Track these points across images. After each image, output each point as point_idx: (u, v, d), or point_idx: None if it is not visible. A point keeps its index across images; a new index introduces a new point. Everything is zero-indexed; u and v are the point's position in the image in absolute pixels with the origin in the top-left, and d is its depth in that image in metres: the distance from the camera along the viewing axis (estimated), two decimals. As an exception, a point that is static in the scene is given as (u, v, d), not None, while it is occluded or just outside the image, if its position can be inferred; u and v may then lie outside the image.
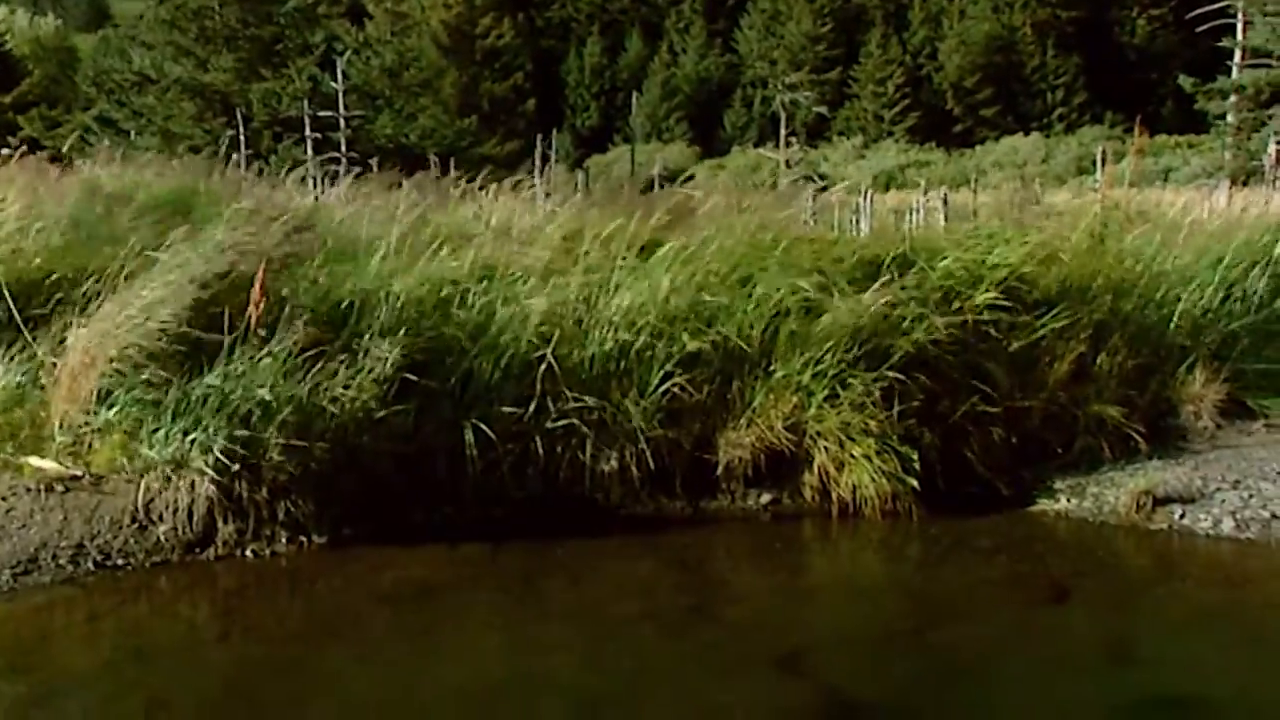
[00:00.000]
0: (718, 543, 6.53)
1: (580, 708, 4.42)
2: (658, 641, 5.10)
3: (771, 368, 6.83)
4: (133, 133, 24.99)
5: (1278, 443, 7.28)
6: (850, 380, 6.67)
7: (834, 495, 6.68)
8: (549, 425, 6.52)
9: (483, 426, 6.34)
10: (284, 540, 5.82)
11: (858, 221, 11.59)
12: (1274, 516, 6.32)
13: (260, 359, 5.88)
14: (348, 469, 6.04)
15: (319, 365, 5.96)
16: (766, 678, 4.66)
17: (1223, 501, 6.47)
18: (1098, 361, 7.25)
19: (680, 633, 5.19)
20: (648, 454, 6.59)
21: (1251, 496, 6.50)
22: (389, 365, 6.09)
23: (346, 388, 5.96)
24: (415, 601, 5.45)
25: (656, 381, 6.69)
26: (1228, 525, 6.31)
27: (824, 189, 13.04)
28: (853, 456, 6.59)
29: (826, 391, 6.68)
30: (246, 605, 5.53)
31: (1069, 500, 6.79)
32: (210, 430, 5.67)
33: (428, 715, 4.36)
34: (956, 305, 7.03)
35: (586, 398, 6.56)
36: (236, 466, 5.67)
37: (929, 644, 5.07)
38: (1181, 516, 6.42)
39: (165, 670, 4.76)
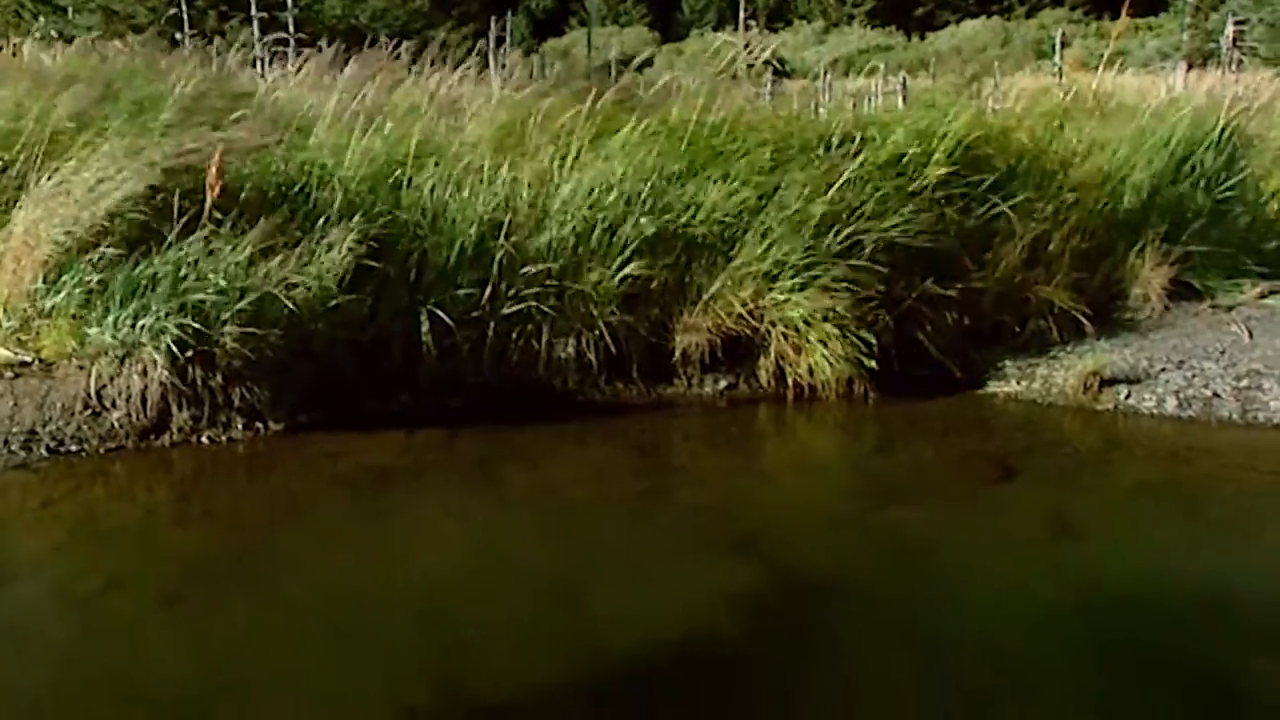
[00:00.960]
0: (674, 428, 6.59)
1: (537, 588, 4.49)
2: (614, 524, 5.16)
3: (731, 253, 6.82)
4: (70, 9, 24.06)
5: (1222, 323, 7.43)
6: (809, 266, 6.68)
7: (790, 380, 6.76)
8: (505, 311, 6.51)
9: (438, 313, 6.32)
10: (240, 427, 5.81)
11: (816, 106, 11.47)
12: (1215, 395, 6.48)
13: (215, 246, 5.78)
14: (303, 356, 6.01)
15: (273, 252, 5.87)
16: (721, 559, 4.73)
17: (1167, 381, 6.62)
18: (1050, 244, 7.31)
19: (637, 516, 5.26)
20: (605, 340, 6.60)
21: (1195, 376, 6.65)
22: (343, 251, 6.01)
23: (301, 275, 5.88)
24: (372, 486, 5.47)
25: (614, 267, 6.66)
26: (1171, 404, 6.47)
27: (783, 74, 12.87)
28: (809, 341, 6.65)
29: (785, 277, 6.69)
30: (203, 490, 5.53)
31: (1019, 382, 6.91)
32: (162, 315, 5.59)
33: (388, 596, 4.41)
34: (912, 183, 7.02)
35: (543, 283, 6.53)
36: (190, 353, 5.63)
37: (880, 523, 5.18)
38: (1127, 397, 6.56)
39: (123, 553, 4.77)
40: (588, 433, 6.31)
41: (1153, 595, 4.39)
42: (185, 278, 5.68)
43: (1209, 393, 6.50)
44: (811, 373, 6.68)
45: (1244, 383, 6.55)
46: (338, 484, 5.50)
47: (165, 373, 5.63)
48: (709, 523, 5.17)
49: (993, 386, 6.94)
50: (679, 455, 6.47)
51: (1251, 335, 7.15)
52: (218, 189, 5.84)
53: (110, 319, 5.65)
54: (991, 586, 4.52)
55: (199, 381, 5.72)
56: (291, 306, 5.82)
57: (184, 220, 5.85)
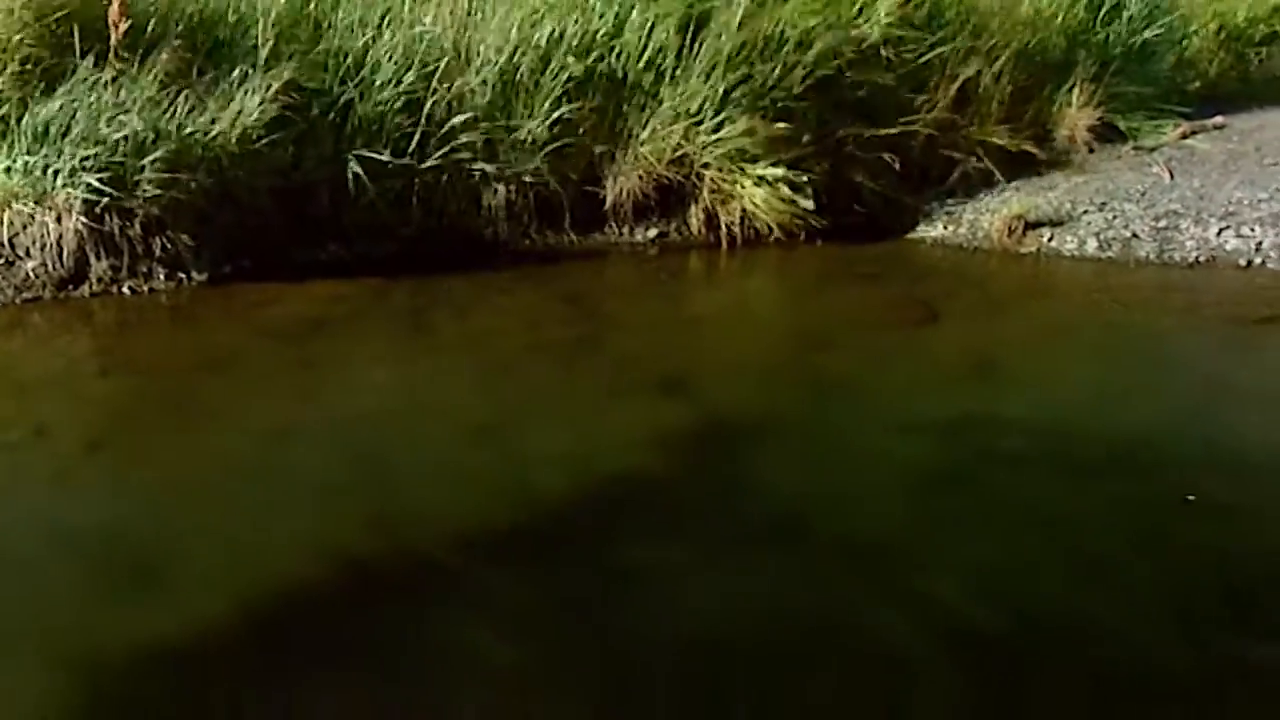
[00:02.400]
0: (605, 276, 6.59)
1: (468, 432, 4.53)
2: (545, 371, 5.19)
3: (659, 96, 6.72)
4: None
5: (1144, 164, 7.53)
6: (739, 107, 6.61)
7: (721, 227, 6.75)
8: (434, 158, 6.38)
9: (365, 160, 6.18)
10: (161, 277, 5.71)
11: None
12: (1134, 236, 6.61)
13: (125, 86, 5.57)
14: (225, 204, 5.88)
15: (188, 95, 5.67)
16: (649, 403, 4.80)
17: (1088, 224, 6.74)
18: (981, 87, 7.29)
19: (567, 362, 5.30)
20: (535, 188, 6.53)
21: (1115, 218, 6.76)
22: (264, 92, 5.82)
23: (218, 119, 5.71)
24: (301, 337, 5.43)
25: (543, 113, 6.54)
26: (1092, 246, 6.59)
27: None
28: (741, 187, 6.63)
29: (714, 119, 6.62)
30: (126, 341, 5.46)
31: (946, 227, 6.98)
32: (74, 160, 5.41)
33: (319, 442, 4.43)
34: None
35: (472, 130, 6.40)
36: (105, 200, 5.47)
37: (806, 366, 5.28)
38: (1050, 239, 6.67)
39: (46, 403, 4.72)
40: (518, 281, 6.29)
41: (1065, 427, 4.53)
42: (96, 120, 5.48)
43: (1128, 234, 6.63)
44: (742, 219, 6.68)
45: (1162, 223, 6.69)
46: (265, 334, 5.45)
47: (81, 220, 5.48)
48: (638, 368, 5.22)
49: (921, 231, 7.01)
50: (609, 303, 6.48)
51: (1172, 176, 7.26)
52: (122, 26, 5.58)
53: (19, 164, 5.46)
54: (913, 422, 4.62)
55: (117, 230, 5.57)
56: (212, 152, 5.66)
57: (88, 57, 5.60)
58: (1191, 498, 3.95)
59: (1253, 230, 6.48)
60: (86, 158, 5.42)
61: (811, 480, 4.17)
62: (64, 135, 5.46)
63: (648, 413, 4.70)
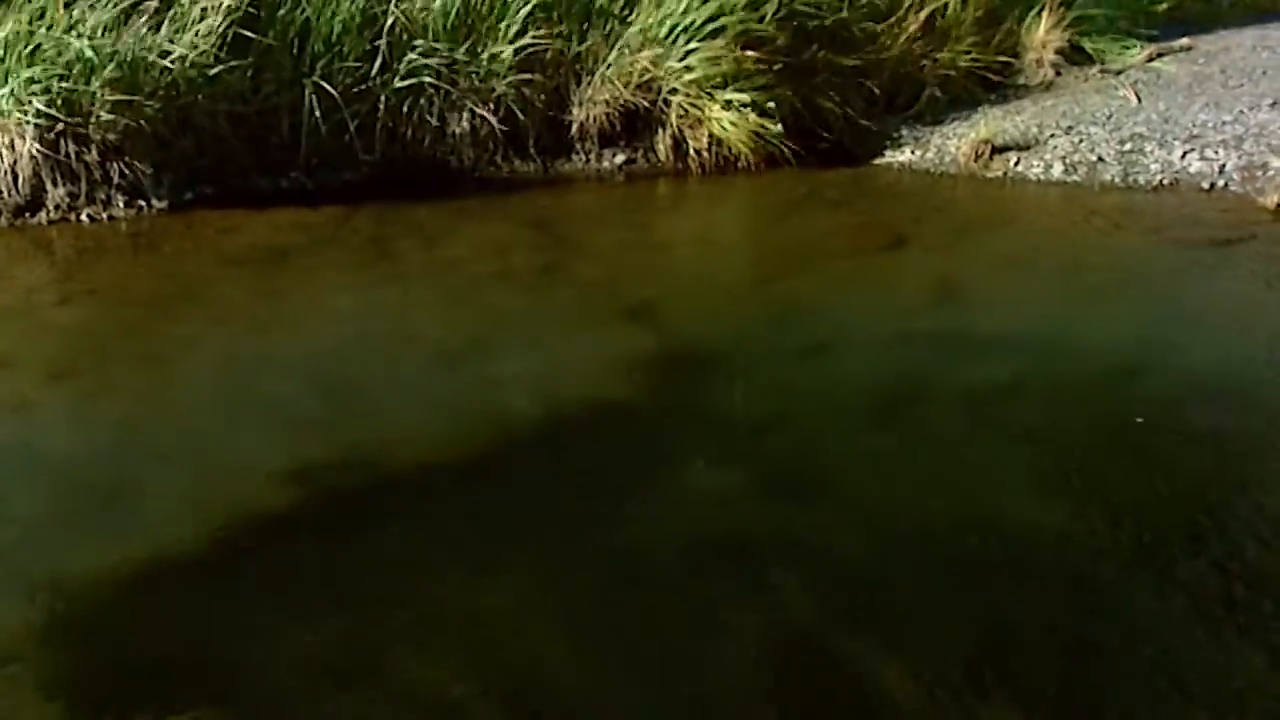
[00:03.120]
0: (572, 203, 6.54)
1: (435, 359, 4.53)
2: (512, 298, 5.18)
3: (628, 19, 6.63)
4: None
5: (1110, 87, 7.54)
6: (708, 33, 6.54)
7: (689, 153, 6.72)
8: (397, 85, 6.30)
9: (325, 86, 6.09)
10: (121, 204, 5.63)
11: None
12: (1100, 159, 6.63)
13: (77, 9, 5.44)
14: (184, 130, 5.79)
15: (143, 17, 5.55)
16: (616, 329, 4.80)
17: (1055, 147, 6.75)
18: (949, 10, 7.24)
19: (533, 290, 5.28)
20: (501, 114, 6.46)
21: (1081, 141, 6.78)
22: (218, 15, 5.70)
23: (174, 41, 5.59)
24: (265, 265, 5.38)
25: (509, 36, 6.44)
26: (1058, 169, 6.61)
27: None
28: (709, 112, 6.58)
29: (683, 41, 6.55)
30: (87, 269, 5.37)
31: (913, 152, 6.97)
32: (25, 84, 5.29)
33: (286, 369, 4.41)
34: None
35: (435, 54, 6.31)
36: (60, 125, 5.36)
37: (771, 292, 5.28)
38: (1016, 164, 6.68)
39: (6, 331, 4.69)
40: (484, 209, 6.24)
41: (1027, 351, 4.58)
42: (47, 43, 5.35)
43: (1094, 157, 6.64)
44: (711, 145, 6.65)
45: (1127, 146, 6.71)
46: (228, 262, 5.40)
47: (35, 145, 5.38)
48: (605, 295, 5.22)
49: (889, 156, 7.00)
50: (576, 230, 6.44)
51: (1139, 99, 7.26)
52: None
53: (-31, 88, 5.35)
54: (878, 346, 4.67)
55: (73, 156, 5.48)
56: (168, 77, 5.56)
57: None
58: (1140, 420, 4.02)
59: (1216, 153, 6.51)
60: (35, 80, 5.30)
61: (775, 403, 4.21)
62: (15, 59, 5.34)
63: (615, 339, 4.71)
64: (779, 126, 6.57)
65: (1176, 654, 2.85)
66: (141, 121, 5.52)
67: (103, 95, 5.40)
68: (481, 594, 3.10)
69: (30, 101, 5.30)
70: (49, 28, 5.41)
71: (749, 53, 6.56)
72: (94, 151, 5.50)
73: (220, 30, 5.73)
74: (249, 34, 5.89)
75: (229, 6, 5.73)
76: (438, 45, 6.33)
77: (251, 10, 5.91)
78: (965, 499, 3.57)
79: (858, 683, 2.76)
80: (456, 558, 3.27)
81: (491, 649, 2.89)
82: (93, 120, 5.43)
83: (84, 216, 5.55)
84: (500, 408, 4.13)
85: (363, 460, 3.75)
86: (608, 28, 6.65)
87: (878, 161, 6.97)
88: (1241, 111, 6.91)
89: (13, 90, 5.32)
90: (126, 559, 3.19)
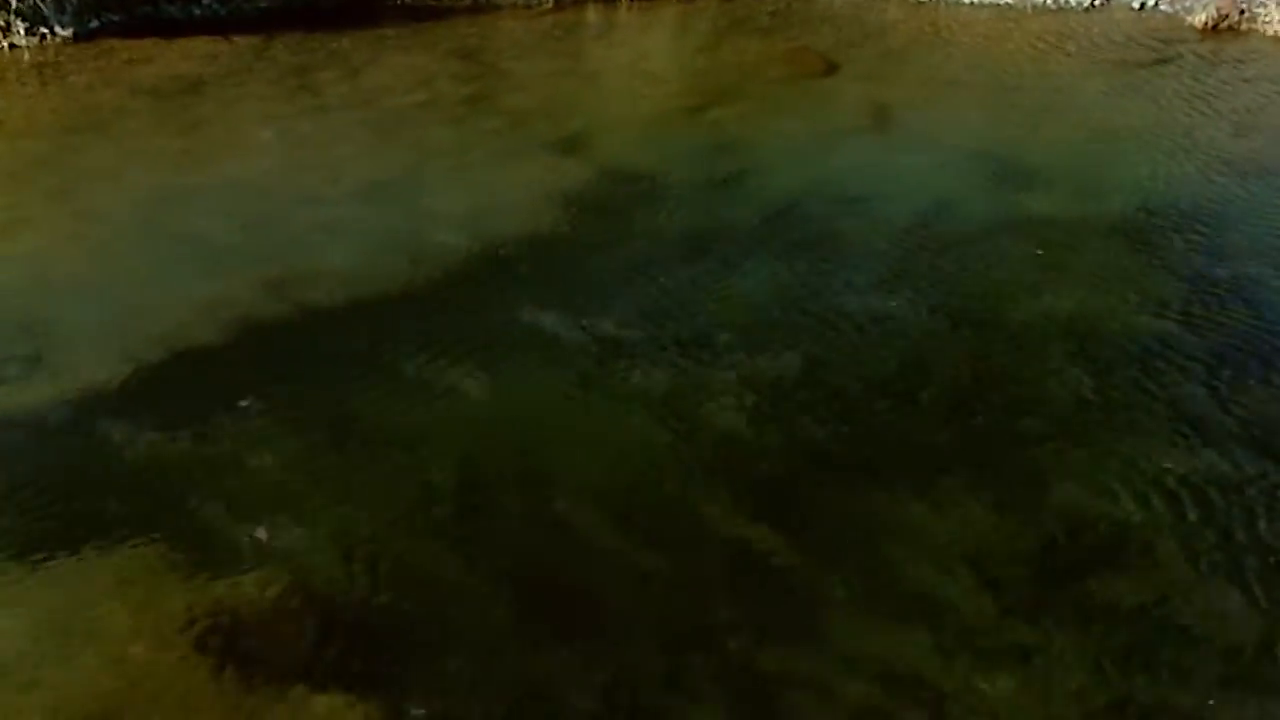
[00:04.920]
0: (498, 32, 6.34)
1: (361, 192, 4.44)
2: (438, 130, 5.06)
3: None
4: None
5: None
6: None
7: (618, -21, 6.51)
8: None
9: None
10: (22, 32, 5.36)
11: None
12: (1033, -19, 6.53)
13: None
14: (85, -47, 5.49)
15: None
16: (546, 159, 4.74)
17: (989, -31, 6.62)
18: None
19: (461, 121, 5.16)
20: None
21: (1016, -38, 6.65)
22: None
23: None
24: (181, 96, 5.19)
25: None
26: (990, -8, 6.51)
27: None
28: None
29: None
30: (-9, 101, 5.17)
31: (847, -24, 6.81)
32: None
33: (208, 203, 4.30)
34: None
35: None
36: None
37: (705, 119, 5.21)
38: (950, -12, 6.56)
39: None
40: (408, 38, 6.04)
41: (952, 173, 4.60)
42: None
43: (1026, -21, 6.54)
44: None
45: (1061, -33, 6.60)
46: (142, 93, 5.19)
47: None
48: (534, 125, 5.12)
49: (822, -20, 6.83)
50: (504, 60, 6.25)
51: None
52: None
53: None
54: (808, 171, 4.64)
55: (-35, -19, 5.19)
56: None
57: None
58: (1040, 252, 4.05)
59: (1148, -26, 6.44)
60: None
61: (705, 228, 4.19)
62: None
63: (544, 169, 4.64)
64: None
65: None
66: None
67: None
68: (403, 413, 3.12)
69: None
70: None
71: None
72: (-11, -24, 5.21)
73: None
74: None
75: None
76: None
77: None
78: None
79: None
80: (386, 390, 3.27)
81: (419, 460, 2.92)
82: (-16, -59, 5.13)
83: (-17, 46, 5.29)
84: (428, 240, 4.07)
85: (288, 294, 3.70)
86: None
87: (812, -14, 6.81)
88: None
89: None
90: (43, 395, 3.17)
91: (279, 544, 2.70)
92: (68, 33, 5.40)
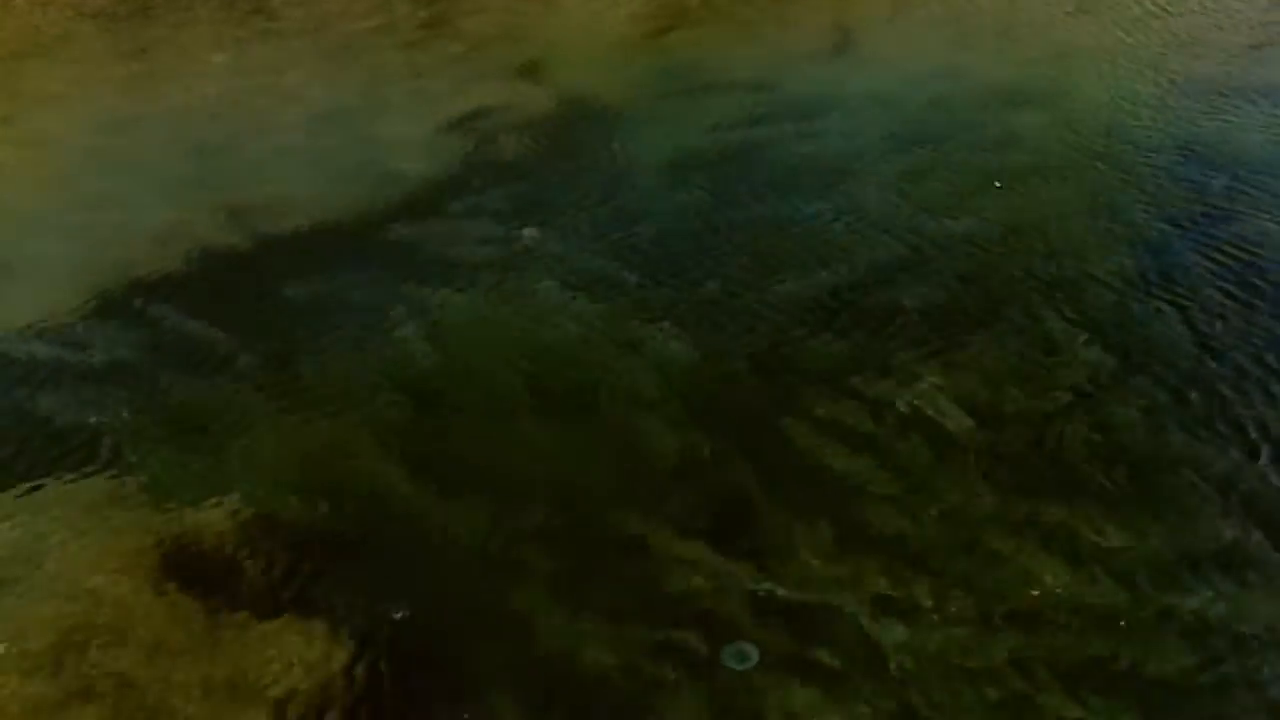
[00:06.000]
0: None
1: (317, 119, 4.38)
2: (395, 54, 5.00)
3: None
4: None
5: None
6: None
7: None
8: None
9: None
10: (-39, -46, 5.21)
11: None
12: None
13: None
14: None
15: None
16: (505, 86, 4.68)
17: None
18: None
19: (418, 45, 5.10)
20: None
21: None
22: None
23: None
24: (127, 21, 5.08)
25: None
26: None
27: None
28: None
29: None
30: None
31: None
32: None
33: (161, 130, 4.25)
34: None
35: None
36: None
37: (662, 45, 5.15)
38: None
39: None
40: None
41: (923, 91, 4.51)
42: None
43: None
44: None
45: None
46: (88, 16, 5.08)
47: None
48: (493, 50, 5.05)
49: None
50: (462, -17, 6.17)
51: None
52: None
53: None
54: (768, 94, 4.59)
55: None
56: None
57: None
58: (999, 184, 4.01)
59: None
60: None
61: (666, 158, 4.13)
62: None
63: (502, 94, 4.58)
64: None
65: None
66: None
67: None
68: (359, 338, 3.11)
69: None
70: None
71: None
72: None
73: None
74: None
75: None
76: None
77: None
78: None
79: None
80: (335, 307, 3.25)
81: (375, 383, 2.92)
82: None
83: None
84: (385, 168, 4.02)
85: (245, 222, 3.66)
86: None
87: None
88: None
89: None
90: (11, 324, 3.13)
91: (234, 470, 2.69)
92: (9, -45, 5.24)
